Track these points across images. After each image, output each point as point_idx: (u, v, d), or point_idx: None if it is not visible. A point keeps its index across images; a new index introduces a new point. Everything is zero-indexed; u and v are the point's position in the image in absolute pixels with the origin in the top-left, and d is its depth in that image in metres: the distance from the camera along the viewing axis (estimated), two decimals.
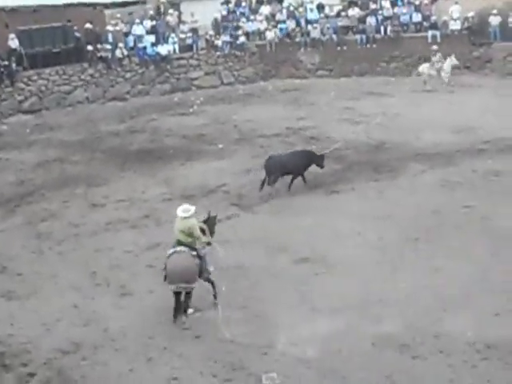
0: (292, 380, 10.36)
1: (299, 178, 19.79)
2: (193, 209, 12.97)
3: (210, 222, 13.83)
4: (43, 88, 31.52)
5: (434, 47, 33.50)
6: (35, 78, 31.35)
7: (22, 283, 14.22)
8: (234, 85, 34.93)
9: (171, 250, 12.78)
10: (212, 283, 13.25)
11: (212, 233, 13.88)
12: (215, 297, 13.15)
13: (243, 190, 19.56)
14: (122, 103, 32.24)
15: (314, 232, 16.24)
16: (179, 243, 12.85)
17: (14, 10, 32.44)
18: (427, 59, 33.89)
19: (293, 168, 19.69)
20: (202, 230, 13.16)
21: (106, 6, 35.39)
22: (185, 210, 12.86)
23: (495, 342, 11.14)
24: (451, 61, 32.44)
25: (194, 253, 12.77)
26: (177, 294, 12.62)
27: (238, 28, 36.60)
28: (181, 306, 12.67)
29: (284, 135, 25.27)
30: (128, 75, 33.66)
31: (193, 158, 22.84)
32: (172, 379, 10.53)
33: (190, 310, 12.81)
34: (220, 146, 24.18)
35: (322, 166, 20.07)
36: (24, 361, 11.24)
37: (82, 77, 32.55)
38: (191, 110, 30.15)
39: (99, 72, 32.88)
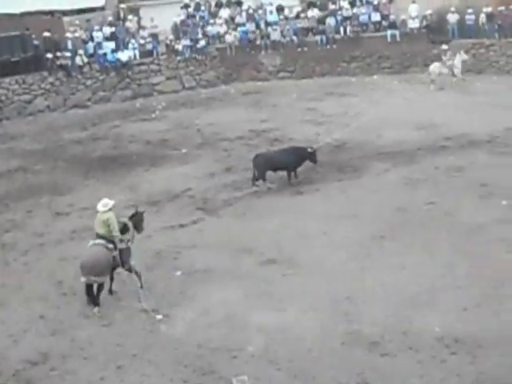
0: (262, 382, 10.36)
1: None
2: (111, 203, 13.63)
3: (137, 218, 14.19)
4: (3, 97, 31.24)
5: (444, 46, 33.55)
6: None
7: None
8: (196, 89, 34.88)
9: (90, 243, 13.45)
10: (136, 273, 13.76)
11: (141, 229, 14.31)
12: (141, 287, 13.61)
13: (208, 193, 19.54)
14: (84, 111, 32.03)
15: (280, 233, 16.28)
16: (98, 236, 13.43)
17: None
18: (384, 57, 34.28)
19: (284, 164, 20.15)
20: (125, 225, 13.74)
21: (64, 13, 35.19)
22: (104, 204, 13.56)
23: (463, 337, 11.25)
24: (461, 56, 32.60)
25: (111, 245, 13.29)
26: (89, 285, 13.06)
27: (197, 32, 36.55)
28: (94, 297, 13.10)
29: (247, 138, 25.29)
30: (89, 82, 33.42)
31: (157, 163, 22.75)
32: None
33: (96, 310, 13.09)
34: (183, 150, 24.14)
35: (315, 162, 20.49)
36: None
37: (42, 85, 32.27)
38: (153, 116, 30.06)
39: (59, 80, 32.61)
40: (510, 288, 12.80)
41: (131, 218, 14.08)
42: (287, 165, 20.25)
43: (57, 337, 12.22)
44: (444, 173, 19.83)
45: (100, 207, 13.53)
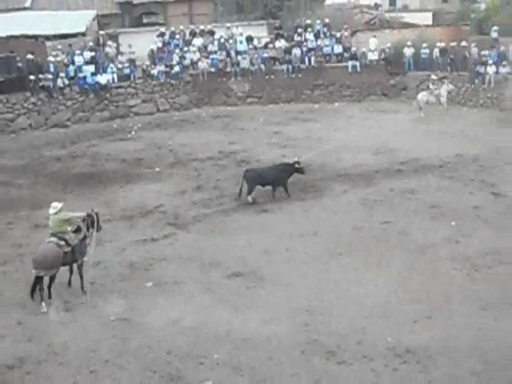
0: None
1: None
2: (60, 205, 14.26)
3: (91, 219, 14.73)
4: None
5: (433, 76, 33.81)
6: None
7: None
8: (170, 112, 34.80)
9: (46, 240, 14.05)
10: (80, 269, 14.36)
11: (99, 227, 15.05)
12: (82, 287, 14.27)
13: (179, 210, 19.51)
14: (64, 130, 31.80)
15: (245, 249, 16.31)
16: (52, 235, 14.06)
17: None
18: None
19: (273, 179, 20.36)
20: (78, 226, 14.55)
21: (48, 37, 35.02)
22: (53, 207, 14.20)
23: (414, 347, 11.38)
24: (447, 86, 33.04)
25: (63, 242, 13.88)
26: (38, 277, 13.47)
27: (172, 58, 36.60)
28: (41, 288, 13.54)
29: (216, 158, 25.30)
30: (69, 103, 33.21)
31: (131, 181, 22.69)
32: None
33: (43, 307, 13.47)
34: (157, 169, 24.08)
35: (303, 173, 20.77)
36: None
37: (25, 105, 32.04)
38: (129, 136, 29.93)
39: (41, 100, 32.40)
40: (458, 302, 12.99)
41: (86, 218, 14.67)
42: (276, 180, 20.42)
43: (33, 342, 12.11)
44: (398, 195, 20.04)
45: (51, 210, 14.15)
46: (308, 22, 40.42)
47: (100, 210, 16.88)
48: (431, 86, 33.50)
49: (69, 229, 14.37)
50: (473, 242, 16.02)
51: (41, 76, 32.70)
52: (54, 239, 13.96)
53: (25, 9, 43.73)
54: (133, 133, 30.44)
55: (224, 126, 31.21)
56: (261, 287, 14.16)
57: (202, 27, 40.65)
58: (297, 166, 20.65)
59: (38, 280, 13.52)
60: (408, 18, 47.98)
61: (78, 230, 14.53)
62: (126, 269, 15.40)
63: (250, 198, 20.12)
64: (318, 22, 40.30)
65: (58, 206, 14.29)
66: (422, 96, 32.80)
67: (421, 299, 13.21)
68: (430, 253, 15.64)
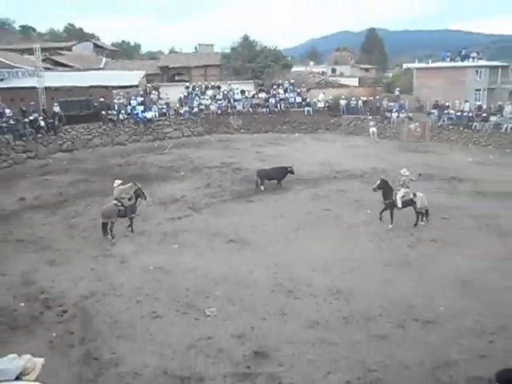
0: (223, 312, 10.42)
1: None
2: (119, 182, 15.82)
3: (138, 192, 16.14)
4: (75, 136, 30.65)
5: (371, 123, 34.34)
6: (70, 130, 30.46)
7: (60, 256, 13.84)
8: (191, 136, 34.72)
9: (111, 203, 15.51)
10: (131, 220, 15.72)
11: (144, 197, 16.50)
12: (131, 228, 15.72)
13: (195, 199, 19.45)
14: (123, 147, 31.64)
15: (237, 225, 16.29)
16: (114, 199, 15.39)
17: (57, 89, 31.62)
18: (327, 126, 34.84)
19: (276, 176, 21.19)
20: (135, 193, 15.99)
21: (114, 87, 34.88)
22: (116, 182, 15.73)
23: (342, 289, 11.48)
24: (374, 126, 34.02)
25: (119, 204, 15.28)
26: (104, 223, 14.96)
27: (193, 103, 36.54)
28: (106, 230, 14.97)
29: (220, 167, 25.26)
30: (126, 130, 33.00)
31: (165, 180, 22.61)
32: (152, 313, 10.46)
33: (113, 241, 14.91)
34: (182, 173, 24.01)
35: (293, 173, 21.26)
36: (60, 303, 11.00)
37: (99, 130, 31.81)
38: (165, 152, 29.78)
39: (109, 128, 32.17)
40: (370, 262, 13.10)
41: (136, 191, 16.05)
42: (277, 177, 21.19)
43: (100, 282, 12.10)
44: (335, 193, 20.10)
45: (114, 184, 15.67)
46: (280, 81, 40.54)
47: (148, 199, 17.10)
48: (371, 123, 34.29)
49: (123, 196, 15.46)
50: (380, 224, 16.10)
51: (109, 112, 32.60)
52: (114, 202, 15.32)
53: (100, 69, 43.56)
54: (167, 150, 30.37)
55: (225, 147, 31.20)
56: (247, 249, 14.18)
57: (212, 83, 40.73)
58: (289, 169, 21.17)
59: (104, 225, 14.97)
60: (343, 81, 48.14)
61: (131, 198, 15.66)
62: (161, 236, 15.38)
63: (262, 187, 20.65)
64: (286, 82, 40.35)
65: (118, 182, 15.77)
66: (371, 130, 33.68)
67: (347, 259, 13.28)
68: (354, 230, 15.69)
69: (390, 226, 15.73)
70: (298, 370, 8.43)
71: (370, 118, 34.96)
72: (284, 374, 8.35)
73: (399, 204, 15.62)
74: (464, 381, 8.05)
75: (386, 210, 16.06)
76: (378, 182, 16.14)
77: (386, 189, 15.93)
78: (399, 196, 15.63)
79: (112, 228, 15.07)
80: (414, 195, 15.64)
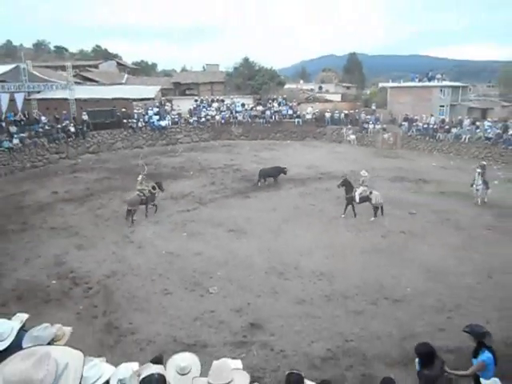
0: (224, 290, 10.36)
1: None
2: (140, 177, 16.42)
3: (158, 184, 17.13)
4: (100, 140, 30.47)
5: (348, 131, 34.72)
6: (96, 135, 30.27)
7: (87, 241, 13.79)
8: (199, 142, 34.46)
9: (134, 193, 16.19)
10: (155, 206, 16.65)
11: (162, 189, 17.41)
12: (155, 211, 16.58)
13: (202, 195, 19.37)
14: (141, 149, 31.43)
15: (237, 217, 16.24)
16: (137, 190, 16.09)
17: (85, 100, 31.49)
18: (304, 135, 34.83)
19: (273, 174, 21.45)
20: (153, 187, 16.73)
21: (134, 99, 34.67)
22: (139, 177, 16.40)
23: (324, 271, 11.50)
24: (352, 134, 34.14)
25: (141, 194, 16.03)
26: (128, 210, 15.55)
27: (201, 113, 36.37)
28: (129, 215, 15.47)
29: (223, 168, 25.14)
30: (144, 135, 32.77)
31: (177, 178, 22.46)
32: (164, 290, 10.45)
33: (132, 223, 15.43)
34: (191, 173, 23.90)
35: (285, 174, 21.47)
36: (86, 281, 10.98)
37: (120, 136, 31.60)
38: (177, 154, 29.59)
39: (129, 133, 31.96)
40: (349, 249, 13.08)
41: (156, 183, 16.98)
42: (274, 174, 21.42)
43: (120, 263, 12.07)
44: (319, 191, 20.03)
45: (139, 178, 16.38)
46: (274, 96, 40.35)
47: (162, 195, 17.03)
48: (349, 131, 34.35)
49: (144, 187, 16.25)
50: (359, 217, 16.13)
51: (129, 120, 32.45)
52: (137, 192, 16.05)
53: (122, 84, 43.32)
54: (178, 153, 30.17)
55: (227, 151, 31.00)
56: (244, 238, 14.14)
57: (217, 97, 40.44)
58: (284, 169, 21.46)
59: (129, 211, 15.52)
60: (328, 96, 47.92)
61: (153, 188, 16.62)
62: (172, 225, 15.33)
63: (259, 184, 20.92)
64: (280, 97, 40.18)
65: (141, 177, 16.40)
66: (350, 138, 33.78)
67: (329, 246, 13.27)
68: (335, 222, 15.67)
69: (343, 215, 16.20)
70: (286, 339, 8.46)
71: (349, 127, 34.91)
72: (275, 342, 8.37)
73: (357, 199, 16.05)
74: None
75: (349, 205, 16.33)
76: (342, 180, 16.67)
77: (347, 186, 16.35)
78: (358, 192, 16.05)
79: (134, 214, 15.58)
80: (371, 193, 16.00)
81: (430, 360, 4.85)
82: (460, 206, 17.45)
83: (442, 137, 31.08)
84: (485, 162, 20.63)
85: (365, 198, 15.99)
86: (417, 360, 5.13)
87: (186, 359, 3.09)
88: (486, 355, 5.03)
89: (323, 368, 7.67)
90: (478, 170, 17.76)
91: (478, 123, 30.92)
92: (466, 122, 31.26)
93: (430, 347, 4.97)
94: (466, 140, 29.84)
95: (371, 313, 9.46)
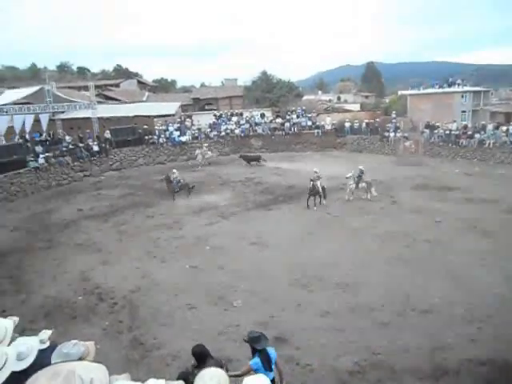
0: (248, 303, 10.31)
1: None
2: (177, 172, 20.99)
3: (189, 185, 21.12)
4: (122, 157, 31.07)
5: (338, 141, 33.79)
6: (118, 152, 30.86)
7: (111, 256, 13.97)
8: (219, 156, 34.71)
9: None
10: (189, 188, 21.42)
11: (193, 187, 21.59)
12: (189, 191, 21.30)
13: (223, 208, 19.43)
14: (162, 165, 31.77)
15: (259, 229, 16.22)
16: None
17: (108, 119, 32.31)
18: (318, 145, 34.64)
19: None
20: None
21: (154, 116, 35.26)
22: (172, 172, 20.66)
23: (349, 282, 11.35)
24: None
25: (174, 181, 20.57)
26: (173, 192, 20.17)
27: (221, 128, 36.71)
28: (173, 193, 19.82)
29: (244, 181, 25.19)
30: (165, 151, 33.24)
31: (198, 193, 22.55)
32: (188, 304, 10.47)
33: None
34: (212, 187, 24.05)
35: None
36: (111, 296, 11.08)
37: (142, 152, 32.13)
38: (198, 169, 29.92)
39: (151, 150, 32.48)
40: (373, 259, 12.91)
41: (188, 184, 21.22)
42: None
43: (144, 279, 12.15)
44: (342, 202, 19.91)
45: (174, 170, 21.31)
46: (293, 108, 40.35)
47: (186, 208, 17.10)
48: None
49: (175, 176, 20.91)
50: (381, 227, 15.88)
51: (150, 136, 32.96)
52: (171, 181, 20.90)
53: (143, 101, 44.21)
54: (199, 167, 30.47)
55: (247, 164, 31.15)
56: (267, 250, 14.10)
57: (236, 111, 40.87)
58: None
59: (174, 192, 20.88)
60: (347, 106, 47.95)
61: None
62: (195, 239, 15.38)
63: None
64: (299, 108, 40.13)
65: (174, 170, 21.23)
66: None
67: (353, 257, 13.12)
68: (358, 232, 15.50)
69: (315, 208, 18.66)
70: (312, 353, 8.34)
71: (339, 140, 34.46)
72: (301, 356, 8.26)
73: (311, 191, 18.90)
74: (457, 362, 7.85)
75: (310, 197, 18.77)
76: (311, 183, 19.00)
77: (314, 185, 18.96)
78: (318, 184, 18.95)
79: (175, 192, 20.82)
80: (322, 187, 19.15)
81: (203, 360, 4.95)
82: (485, 213, 17.05)
83: (465, 143, 30.50)
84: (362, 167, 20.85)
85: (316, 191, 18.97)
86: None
87: (214, 376, 3.07)
88: (253, 361, 5.26)
89: (351, 382, 7.52)
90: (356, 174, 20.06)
91: (503, 128, 30.27)
92: (490, 126, 30.60)
93: (202, 347, 5.10)
94: (491, 145, 29.23)
95: (398, 324, 9.25)
